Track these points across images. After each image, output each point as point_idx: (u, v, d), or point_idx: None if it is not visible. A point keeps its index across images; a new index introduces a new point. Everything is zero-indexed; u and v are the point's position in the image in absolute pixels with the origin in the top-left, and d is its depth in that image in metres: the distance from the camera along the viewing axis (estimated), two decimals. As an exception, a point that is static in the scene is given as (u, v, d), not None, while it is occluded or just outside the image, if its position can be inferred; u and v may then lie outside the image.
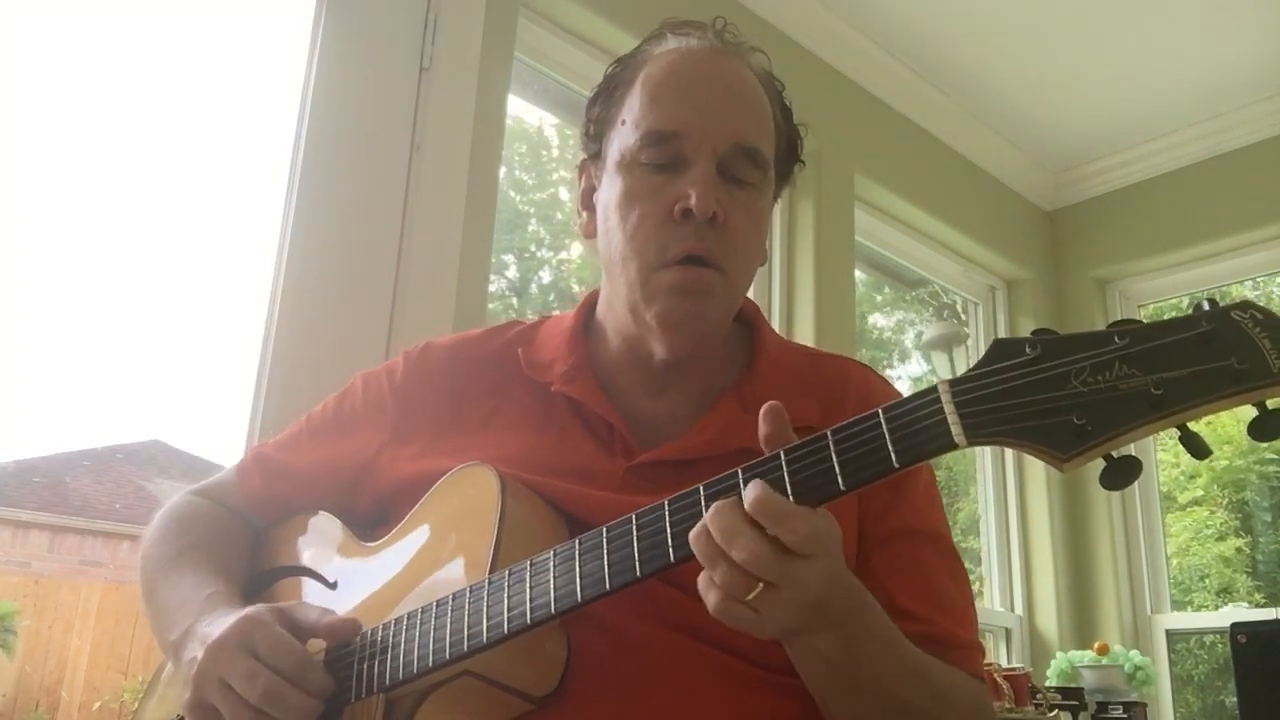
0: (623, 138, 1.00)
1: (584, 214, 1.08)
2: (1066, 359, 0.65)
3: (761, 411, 0.76)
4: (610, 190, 1.01)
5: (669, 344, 0.99)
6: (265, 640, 0.84)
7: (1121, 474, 0.64)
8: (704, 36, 1.03)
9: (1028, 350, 0.66)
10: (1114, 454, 0.64)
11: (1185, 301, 3.60)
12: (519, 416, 1.03)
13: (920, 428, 0.69)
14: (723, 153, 0.96)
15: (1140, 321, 0.65)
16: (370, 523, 1.06)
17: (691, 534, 0.72)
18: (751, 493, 0.70)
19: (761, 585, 0.70)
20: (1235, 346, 0.61)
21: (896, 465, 0.69)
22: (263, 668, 0.83)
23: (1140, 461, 0.64)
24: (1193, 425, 0.63)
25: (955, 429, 0.67)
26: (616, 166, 1.00)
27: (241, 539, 1.13)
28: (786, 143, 1.06)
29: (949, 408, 0.68)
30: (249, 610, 0.88)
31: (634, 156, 0.98)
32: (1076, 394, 0.64)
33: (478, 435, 1.02)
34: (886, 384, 1.10)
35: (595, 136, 1.06)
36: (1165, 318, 0.64)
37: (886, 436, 0.70)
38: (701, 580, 0.72)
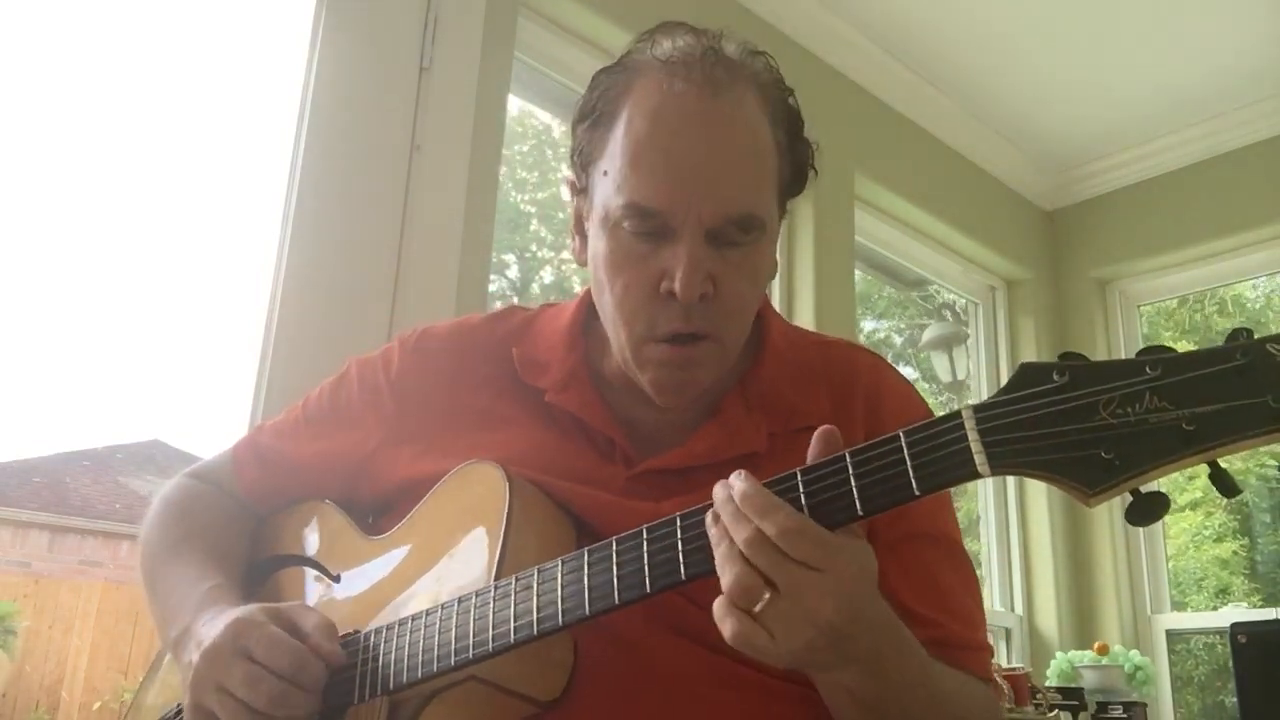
0: (605, 191, 0.92)
1: (576, 239, 1.01)
2: (1095, 388, 0.63)
3: (817, 434, 0.74)
4: (597, 242, 0.94)
5: (663, 403, 0.96)
6: (260, 641, 0.83)
7: (1148, 510, 0.63)
8: (693, 65, 0.90)
9: (1055, 377, 0.64)
10: (1140, 489, 0.63)
11: (1180, 301, 3.60)
12: (519, 414, 1.00)
13: (942, 455, 0.67)
14: (710, 225, 0.88)
15: (1172, 350, 0.62)
16: (373, 513, 1.05)
17: (706, 518, 0.72)
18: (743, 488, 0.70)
19: (768, 595, 0.68)
20: (1271, 382, 0.59)
21: (917, 492, 0.67)
22: (263, 672, 0.82)
23: (1168, 497, 0.62)
24: (1223, 461, 0.61)
25: (979, 458, 0.65)
26: (601, 221, 0.93)
27: (241, 524, 1.11)
28: (792, 170, 0.97)
29: (973, 435, 0.66)
30: (240, 613, 0.87)
31: (617, 220, 0.90)
32: (1105, 426, 0.62)
33: (479, 433, 1.00)
34: (898, 375, 1.06)
35: (582, 166, 0.98)
36: (1198, 348, 0.62)
37: (908, 462, 0.68)
38: (718, 606, 0.70)
